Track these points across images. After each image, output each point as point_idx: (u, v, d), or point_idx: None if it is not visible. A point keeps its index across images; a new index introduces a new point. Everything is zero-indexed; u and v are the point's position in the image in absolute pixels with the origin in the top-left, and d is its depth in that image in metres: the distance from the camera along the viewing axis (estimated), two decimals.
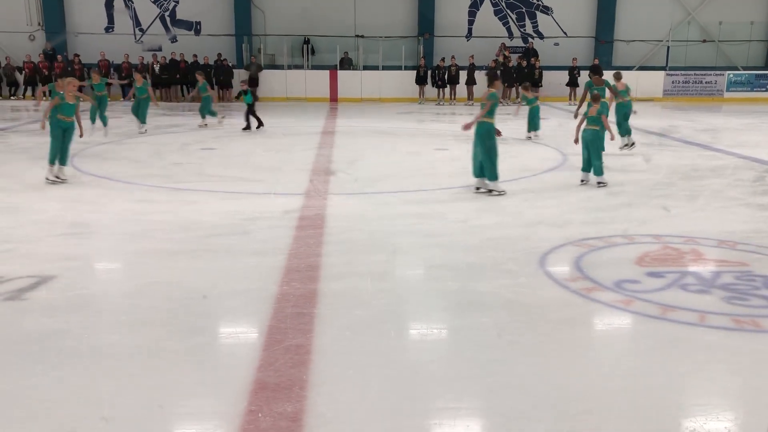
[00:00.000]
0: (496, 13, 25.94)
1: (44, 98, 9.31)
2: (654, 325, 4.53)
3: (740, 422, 3.41)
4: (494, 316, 4.63)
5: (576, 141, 9.06)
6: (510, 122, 15.50)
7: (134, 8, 24.91)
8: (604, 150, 9.07)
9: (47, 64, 22.98)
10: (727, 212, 7.78)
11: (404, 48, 24.73)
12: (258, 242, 6.44)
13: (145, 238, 6.57)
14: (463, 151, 12.52)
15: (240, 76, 23.58)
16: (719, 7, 25.75)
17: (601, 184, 8.90)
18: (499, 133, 8.30)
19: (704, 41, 26.12)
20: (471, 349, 4.17)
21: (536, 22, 26.04)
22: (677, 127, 16.35)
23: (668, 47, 25.64)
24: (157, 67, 23.05)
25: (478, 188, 8.55)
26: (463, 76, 23.34)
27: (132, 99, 15.15)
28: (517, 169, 10.20)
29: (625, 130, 11.83)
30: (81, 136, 9.69)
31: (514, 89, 23.84)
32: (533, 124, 13.95)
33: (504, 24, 26.04)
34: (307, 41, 24.96)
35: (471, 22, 25.89)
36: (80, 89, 10.72)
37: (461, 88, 23.35)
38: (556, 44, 25.88)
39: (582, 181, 9.09)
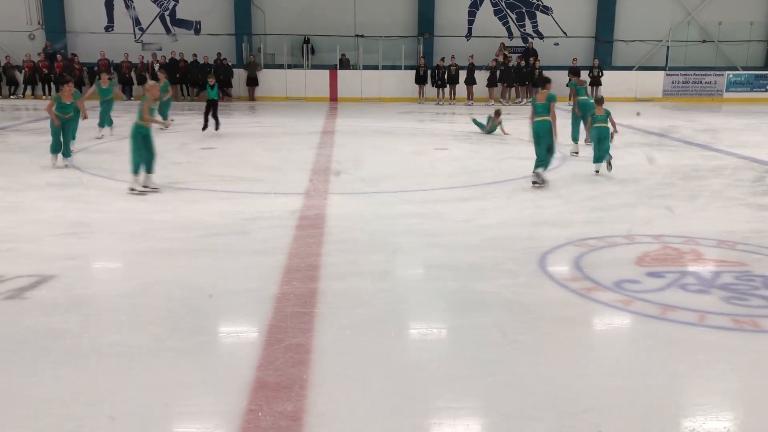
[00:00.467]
0: (495, 13, 25.94)
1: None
2: (654, 325, 4.54)
3: (740, 422, 3.41)
4: (494, 316, 4.64)
5: (587, 140, 10.61)
6: (513, 121, 15.51)
7: (134, 7, 24.91)
8: (607, 145, 9.80)
9: (47, 64, 22.97)
10: (727, 212, 7.79)
11: (404, 48, 24.72)
12: (258, 242, 6.45)
13: (145, 237, 6.58)
14: (463, 151, 12.57)
15: (240, 75, 23.66)
16: (719, 7, 25.77)
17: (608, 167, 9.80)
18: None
19: (704, 41, 26.13)
20: (471, 349, 4.17)
21: (536, 22, 26.04)
22: (677, 127, 16.35)
23: (668, 47, 25.64)
24: (156, 67, 23.04)
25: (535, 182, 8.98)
26: (462, 75, 23.33)
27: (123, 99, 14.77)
28: (517, 169, 10.21)
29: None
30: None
31: (514, 89, 23.87)
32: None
33: (504, 24, 26.04)
34: (307, 41, 24.96)
35: (471, 22, 25.90)
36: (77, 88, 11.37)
37: (461, 88, 23.34)
38: (556, 44, 25.89)
39: (596, 171, 9.93)
